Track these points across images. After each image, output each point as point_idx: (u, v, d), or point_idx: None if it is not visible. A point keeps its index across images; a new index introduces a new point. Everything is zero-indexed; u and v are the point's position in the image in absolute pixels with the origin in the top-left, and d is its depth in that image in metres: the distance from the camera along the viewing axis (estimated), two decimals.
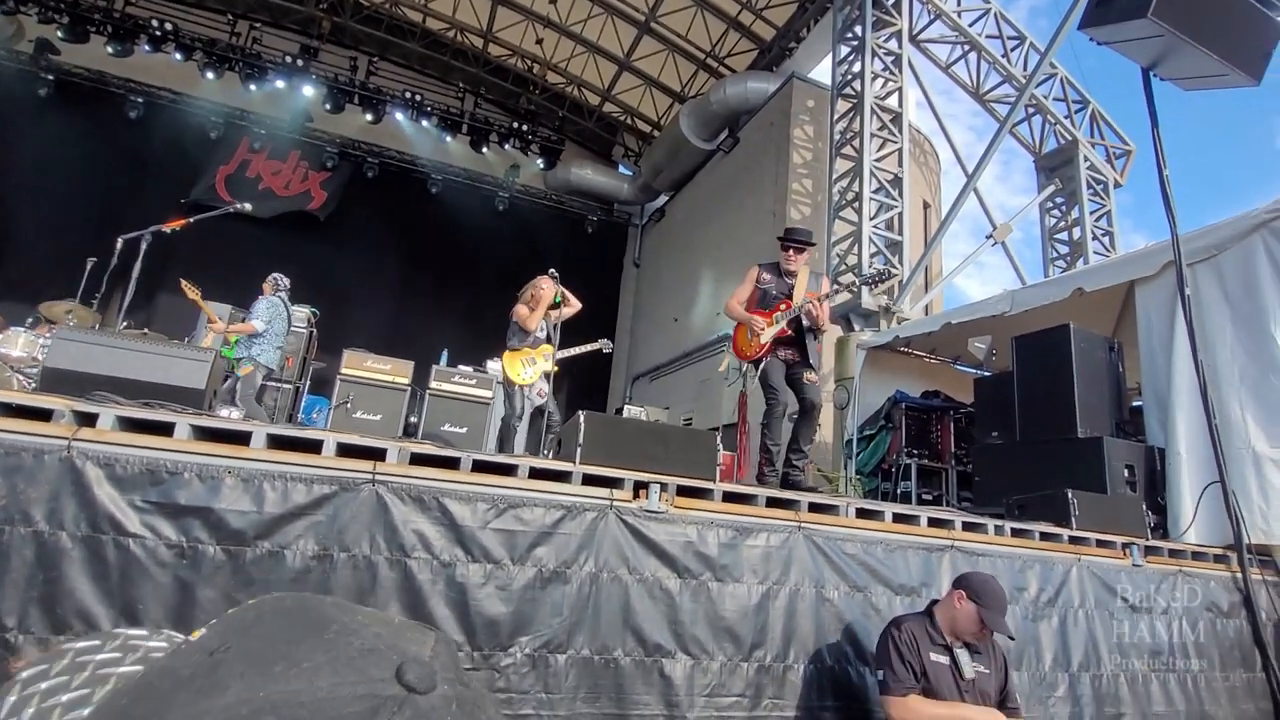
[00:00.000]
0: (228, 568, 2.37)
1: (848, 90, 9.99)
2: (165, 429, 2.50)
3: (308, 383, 8.75)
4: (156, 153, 12.92)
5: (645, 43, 13.95)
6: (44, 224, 11.46)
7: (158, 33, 12.25)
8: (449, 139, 14.34)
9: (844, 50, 10.23)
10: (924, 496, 6.99)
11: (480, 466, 2.72)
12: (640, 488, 2.85)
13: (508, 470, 2.72)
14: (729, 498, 3.05)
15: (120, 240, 5.51)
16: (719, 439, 3.31)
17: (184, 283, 6.49)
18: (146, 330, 7.64)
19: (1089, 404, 4.78)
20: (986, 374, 6.95)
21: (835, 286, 9.23)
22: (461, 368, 8.04)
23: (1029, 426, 5.09)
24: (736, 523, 2.92)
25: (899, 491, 6.97)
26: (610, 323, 16.37)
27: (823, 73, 11.64)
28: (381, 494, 2.52)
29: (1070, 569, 3.57)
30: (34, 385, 4.96)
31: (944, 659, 2.62)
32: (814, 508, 3.19)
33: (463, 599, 2.46)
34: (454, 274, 14.34)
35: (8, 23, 12.08)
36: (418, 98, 13.79)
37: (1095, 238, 10.72)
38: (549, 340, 5.65)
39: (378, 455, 2.66)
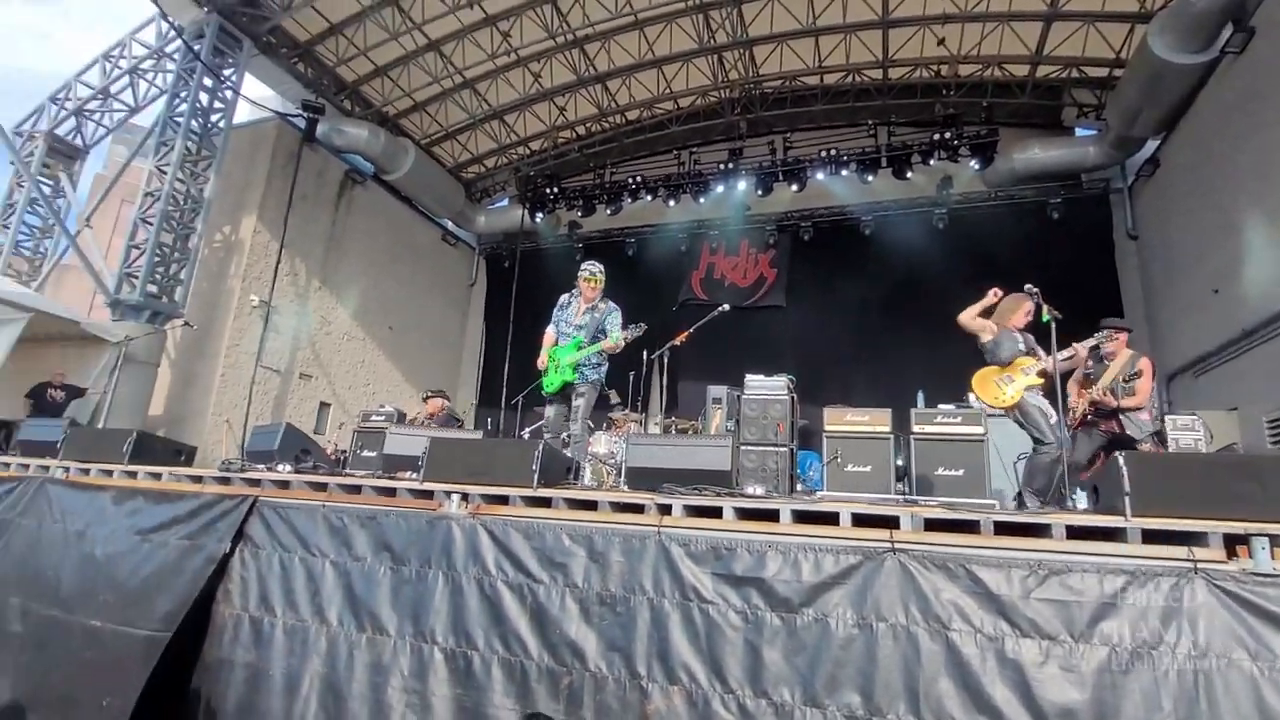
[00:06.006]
0: (783, 632, 2.70)
1: None
2: (715, 512, 3.07)
3: (796, 441, 9.56)
4: (650, 276, 16.48)
5: None
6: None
7: (632, 186, 15.90)
8: (870, 178, 14.31)
9: None
10: None
11: (1003, 528, 2.52)
12: (1236, 542, 2.20)
13: (1040, 530, 2.45)
14: None
15: (646, 356, 7.16)
16: None
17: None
18: (674, 419, 9.55)
19: None
20: None
21: None
22: (941, 406, 7.60)
23: None
24: None
25: None
26: (1114, 315, 13.39)
27: None
28: (904, 563, 2.55)
29: None
30: (616, 474, 6.65)
31: None
32: None
33: (1021, 679, 2.25)
34: (907, 309, 13.86)
35: (553, 219, 17.45)
36: (831, 152, 14.27)
37: None
38: (1030, 352, 5.12)
39: (891, 522, 2.71)
